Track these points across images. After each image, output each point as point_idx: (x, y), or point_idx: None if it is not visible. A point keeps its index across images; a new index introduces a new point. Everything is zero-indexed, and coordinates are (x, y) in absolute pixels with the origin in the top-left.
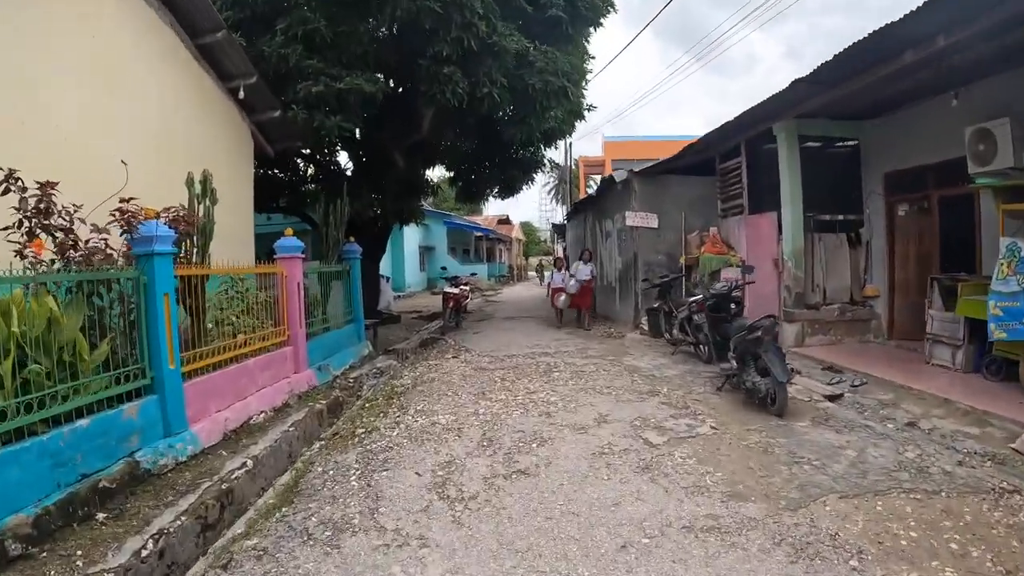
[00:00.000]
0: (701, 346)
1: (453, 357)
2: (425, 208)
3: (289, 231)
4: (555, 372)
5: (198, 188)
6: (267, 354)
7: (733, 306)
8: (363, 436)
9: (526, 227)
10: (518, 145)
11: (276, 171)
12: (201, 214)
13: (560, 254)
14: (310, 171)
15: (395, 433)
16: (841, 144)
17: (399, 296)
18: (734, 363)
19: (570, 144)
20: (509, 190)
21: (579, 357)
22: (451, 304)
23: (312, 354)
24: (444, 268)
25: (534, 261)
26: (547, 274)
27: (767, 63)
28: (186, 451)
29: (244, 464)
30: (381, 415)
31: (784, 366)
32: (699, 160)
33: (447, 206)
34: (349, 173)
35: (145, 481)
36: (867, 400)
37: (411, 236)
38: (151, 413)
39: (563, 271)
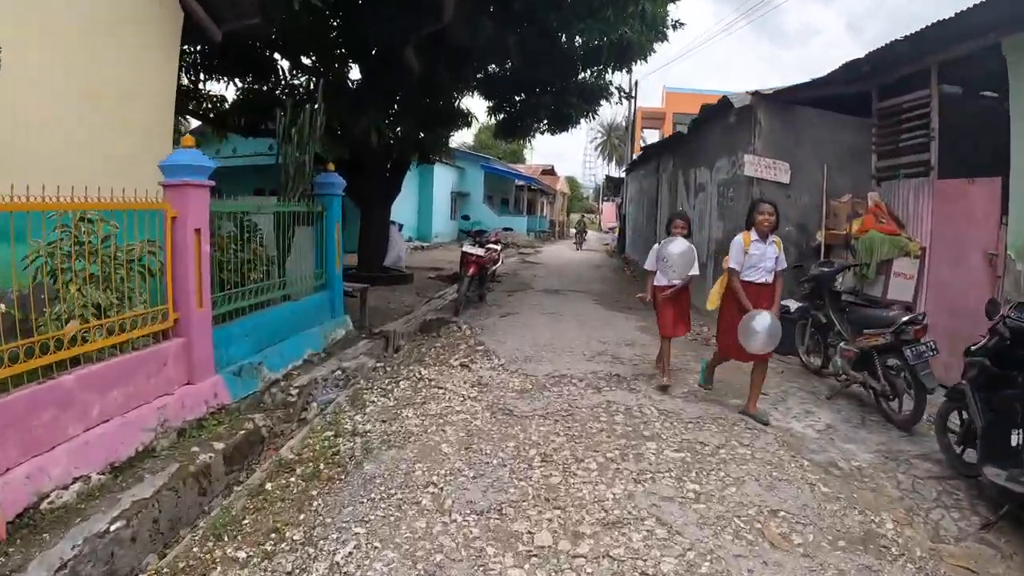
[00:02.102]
0: (888, 397)
1: (462, 366)
2: (461, 149)
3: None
4: (646, 441)
5: None
6: (122, 357)
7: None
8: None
9: (570, 182)
10: (580, 59)
11: (261, 82)
12: None
13: (610, 215)
14: (304, 83)
15: None
16: None
17: (423, 247)
18: None
19: (635, 83)
20: (562, 123)
21: (680, 399)
22: (472, 271)
23: (231, 347)
24: (466, 217)
25: (575, 218)
26: (595, 234)
27: (825, 36)
28: None
29: None
30: (287, 522)
31: None
32: (834, 94)
33: (492, 152)
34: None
35: None
36: None
37: (443, 180)
38: None
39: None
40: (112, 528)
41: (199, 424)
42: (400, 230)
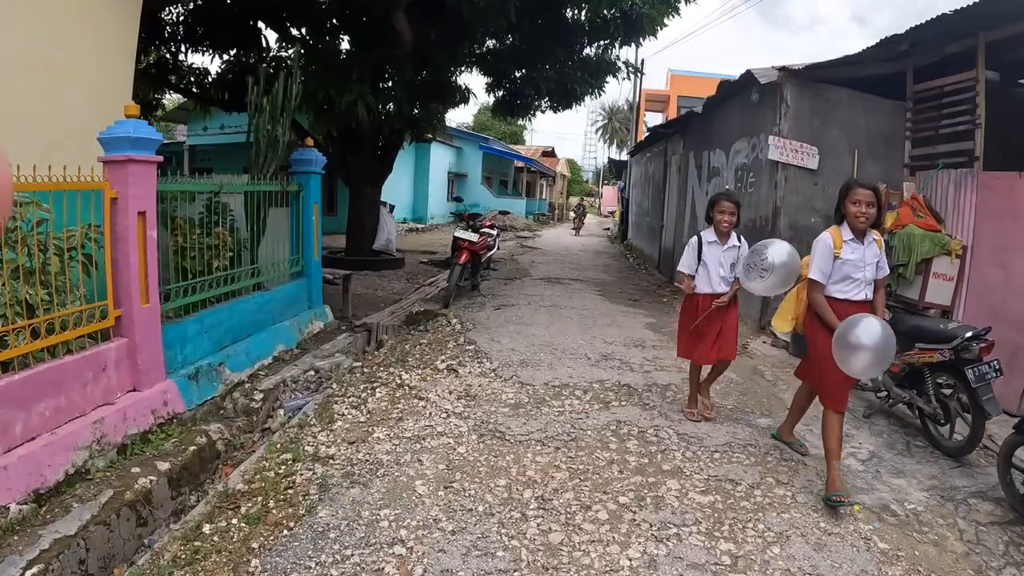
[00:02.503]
0: (939, 421)
1: (449, 369)
2: (460, 129)
3: (132, 108)
4: (666, 479)
5: None
6: (51, 363)
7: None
8: None
9: (570, 164)
10: (587, 32)
11: (247, 55)
12: None
13: (610, 198)
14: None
15: None
16: None
17: (418, 229)
18: None
19: (642, 62)
20: (566, 99)
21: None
22: (464, 258)
23: (187, 346)
24: (459, 199)
25: (574, 201)
26: (594, 218)
27: (831, 25)
28: None
29: None
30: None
31: None
32: (861, 76)
33: (491, 133)
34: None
35: None
36: None
37: (440, 159)
38: None
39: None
40: None
41: (144, 438)
42: (391, 211)
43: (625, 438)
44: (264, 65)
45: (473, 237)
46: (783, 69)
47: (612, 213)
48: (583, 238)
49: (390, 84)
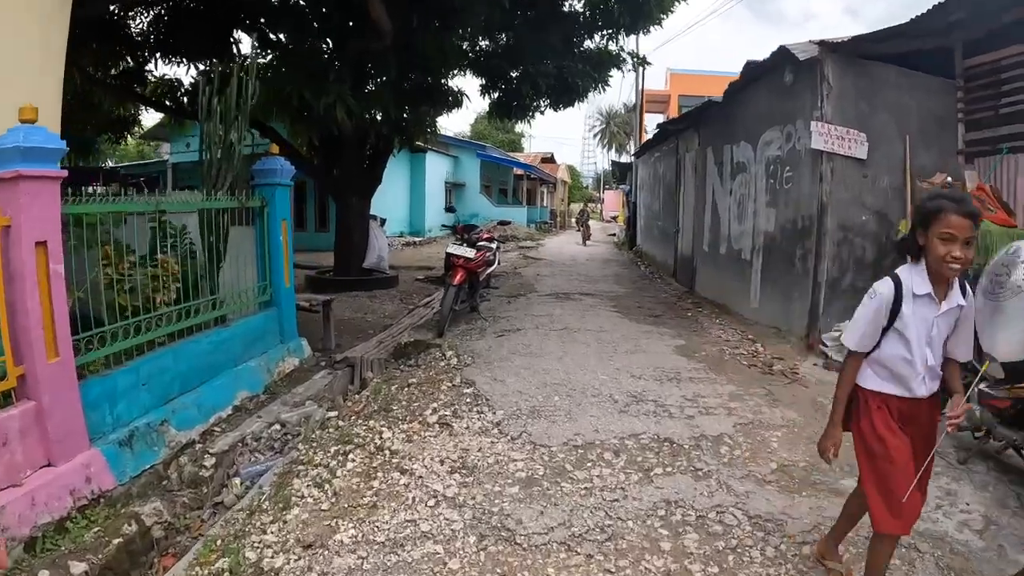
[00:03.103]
0: None
1: (441, 424)
2: (456, 137)
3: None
4: None
5: None
6: None
7: None
8: None
9: (570, 170)
10: (587, 22)
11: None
12: None
13: (612, 203)
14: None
15: None
16: None
17: (415, 243)
18: None
19: (643, 57)
20: (567, 95)
21: (773, 485)
22: (459, 278)
23: (118, 403)
24: (451, 209)
25: (576, 208)
26: (596, 223)
27: (823, 20)
28: None
29: None
30: None
31: None
32: (901, 52)
33: (489, 142)
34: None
35: None
36: None
37: (436, 169)
38: None
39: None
40: None
41: (60, 527)
42: (382, 225)
43: (680, 529)
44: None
45: (469, 253)
46: (823, 43)
47: (615, 218)
48: (589, 247)
49: (374, 86)
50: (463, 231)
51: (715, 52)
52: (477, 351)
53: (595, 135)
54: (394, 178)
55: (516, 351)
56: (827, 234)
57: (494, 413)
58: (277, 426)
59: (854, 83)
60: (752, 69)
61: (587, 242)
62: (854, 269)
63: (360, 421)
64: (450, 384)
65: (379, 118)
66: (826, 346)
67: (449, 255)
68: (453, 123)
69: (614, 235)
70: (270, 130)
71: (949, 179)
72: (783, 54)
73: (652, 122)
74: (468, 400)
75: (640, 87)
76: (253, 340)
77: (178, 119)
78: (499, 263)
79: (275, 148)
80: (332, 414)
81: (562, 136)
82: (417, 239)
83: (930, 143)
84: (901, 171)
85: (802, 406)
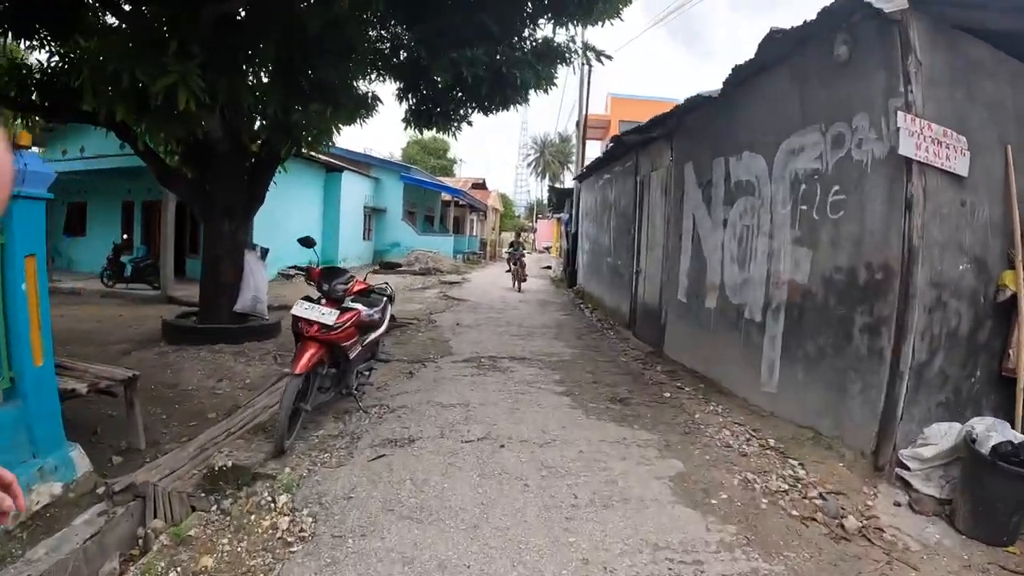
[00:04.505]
0: None
1: None
2: (378, 157)
3: None
4: None
5: None
6: None
7: None
8: None
9: (502, 199)
10: (529, 14)
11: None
12: None
13: (545, 233)
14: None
15: None
16: None
17: None
18: None
19: (602, 52)
20: (501, 93)
21: None
22: (309, 359)
23: None
24: (307, 241)
25: (507, 237)
26: (538, 255)
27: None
28: None
29: None
30: None
31: None
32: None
33: (422, 166)
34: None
35: None
36: None
37: (354, 191)
38: None
39: None
40: None
41: None
42: (263, 257)
43: None
44: None
45: (327, 317)
46: None
47: (548, 248)
48: (529, 285)
49: (255, 77)
50: (322, 278)
51: (644, 82)
52: (330, 495)
53: (529, 164)
54: (304, 201)
55: (397, 502)
56: (916, 295)
57: None
58: None
59: (948, 62)
60: (773, 43)
61: (520, 286)
62: (946, 347)
63: None
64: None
65: (253, 111)
66: (908, 469)
67: (296, 320)
68: (379, 145)
69: (549, 268)
70: (126, 130)
71: None
72: (839, 10)
73: (590, 152)
74: None
75: (586, 93)
76: None
77: (22, 114)
78: (387, 325)
79: (25, 138)
80: None
81: (494, 164)
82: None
83: None
84: (1001, 197)
85: None
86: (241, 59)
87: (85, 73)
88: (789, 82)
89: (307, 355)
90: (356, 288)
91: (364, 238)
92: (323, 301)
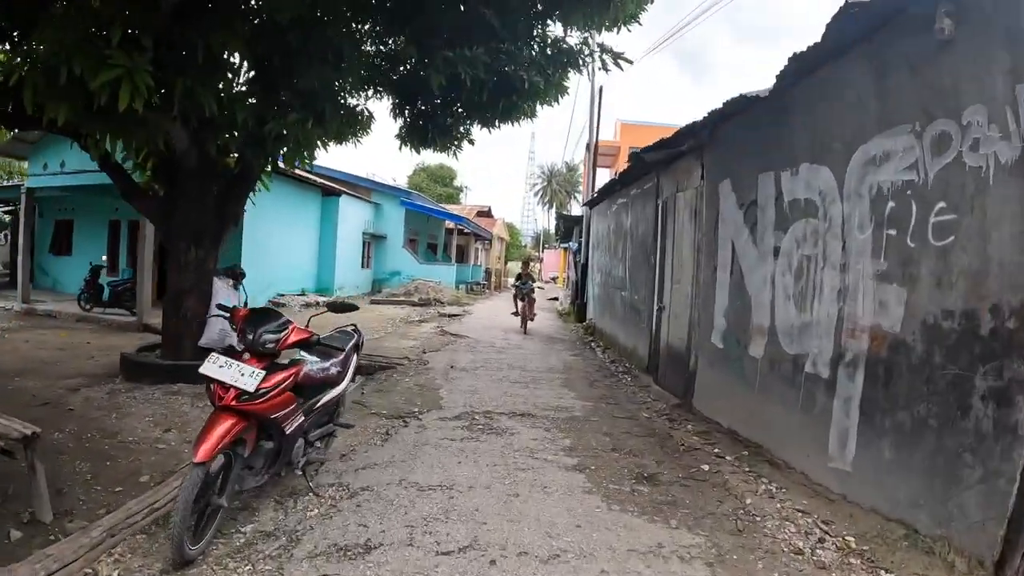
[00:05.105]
0: None
1: None
2: (379, 182)
3: None
4: None
5: None
6: None
7: None
8: None
9: (509, 228)
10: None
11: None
12: None
13: (552, 264)
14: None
15: None
16: None
17: (318, 303)
18: None
19: (620, 54)
20: (507, 101)
21: None
22: (220, 438)
23: None
24: (233, 271)
25: (513, 267)
26: (543, 284)
27: (754, 77)
28: None
29: None
30: None
31: None
32: None
33: (428, 194)
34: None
35: None
36: None
37: (353, 217)
38: None
39: None
40: None
41: None
42: (236, 285)
43: None
44: None
45: (247, 381)
46: None
47: (554, 279)
48: (540, 322)
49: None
50: (247, 324)
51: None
52: None
53: (536, 192)
54: (299, 225)
55: None
56: None
57: None
58: None
59: None
60: (852, 18)
61: (527, 327)
62: None
63: None
64: None
65: (220, 120)
66: None
67: (210, 383)
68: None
69: (556, 299)
70: (83, 137)
71: None
72: None
73: (600, 180)
74: None
75: (596, 110)
76: None
77: None
78: (351, 382)
79: None
80: None
81: (501, 193)
82: (322, 299)
83: None
84: None
85: None
86: (203, 57)
87: (22, 68)
88: (865, 72)
89: (216, 433)
90: (293, 339)
91: (363, 266)
92: (247, 357)
